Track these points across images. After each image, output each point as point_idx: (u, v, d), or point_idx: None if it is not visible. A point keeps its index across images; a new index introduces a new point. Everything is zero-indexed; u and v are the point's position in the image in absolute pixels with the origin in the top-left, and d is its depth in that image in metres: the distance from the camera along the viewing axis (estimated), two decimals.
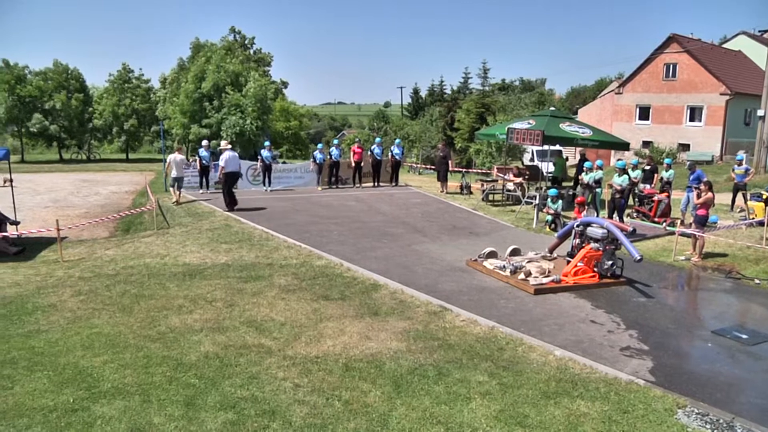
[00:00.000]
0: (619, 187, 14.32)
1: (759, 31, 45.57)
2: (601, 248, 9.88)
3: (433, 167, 28.19)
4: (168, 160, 17.28)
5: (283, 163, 26.21)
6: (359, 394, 5.76)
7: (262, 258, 11.14)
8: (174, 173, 16.68)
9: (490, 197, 18.94)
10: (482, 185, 19.81)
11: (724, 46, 42.56)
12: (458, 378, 6.16)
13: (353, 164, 20.64)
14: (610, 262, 9.90)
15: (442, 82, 68.49)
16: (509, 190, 18.98)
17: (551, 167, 19.35)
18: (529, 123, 16.03)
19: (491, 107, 39.27)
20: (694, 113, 35.57)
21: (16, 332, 7.35)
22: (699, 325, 8.31)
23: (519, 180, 19.04)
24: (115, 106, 37.43)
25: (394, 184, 21.38)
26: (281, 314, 8.07)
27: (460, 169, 24.70)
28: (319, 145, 21.69)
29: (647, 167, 17.18)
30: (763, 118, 24.93)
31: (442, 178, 20.70)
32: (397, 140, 23.51)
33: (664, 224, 14.54)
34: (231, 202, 15.33)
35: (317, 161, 20.20)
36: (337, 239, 12.71)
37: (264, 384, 5.92)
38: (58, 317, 7.93)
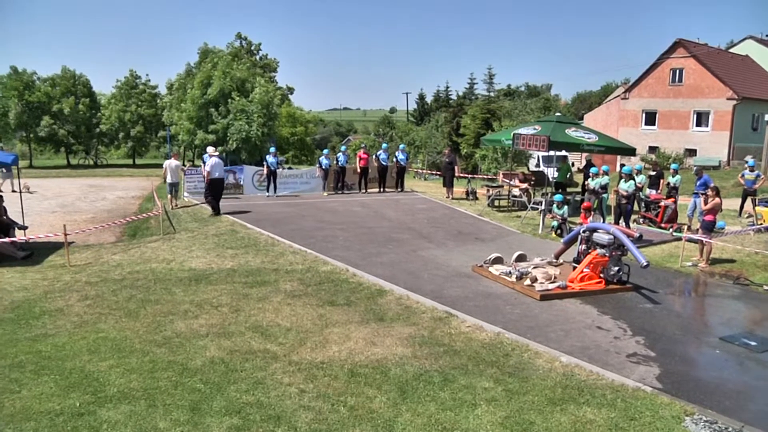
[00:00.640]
0: (625, 193, 14.27)
1: (766, 36, 45.39)
2: (607, 254, 9.84)
3: (438, 173, 28.20)
4: (164, 166, 17.43)
5: (289, 168, 26.29)
6: (364, 399, 5.74)
7: (267, 263, 11.16)
8: (169, 179, 16.79)
9: (496, 203, 18.91)
10: (488, 191, 19.77)
11: (731, 50, 42.45)
12: (464, 384, 6.14)
13: (359, 170, 20.67)
14: (617, 268, 9.85)
15: (447, 87, 68.87)
16: (515, 196, 18.94)
17: (556, 173, 19.31)
18: (534, 128, 16.01)
19: (497, 113, 39.28)
20: (701, 118, 35.45)
21: (24, 336, 7.39)
22: (707, 332, 8.25)
23: (525, 186, 18.99)
24: (121, 111, 37.68)
25: (399, 189, 21.39)
26: (287, 320, 8.07)
27: (466, 175, 24.67)
28: (325, 151, 21.75)
29: (653, 173, 17.11)
30: None
31: (448, 184, 20.68)
32: (402, 146, 23.51)
33: (671, 230, 14.47)
34: (216, 208, 15.53)
35: (323, 167, 20.24)
36: (343, 245, 12.71)
37: (269, 389, 5.91)
38: (64, 321, 7.96)
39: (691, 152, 35.10)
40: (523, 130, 16.02)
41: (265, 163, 19.29)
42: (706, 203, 11.97)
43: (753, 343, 7.58)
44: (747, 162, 17.18)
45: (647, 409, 5.67)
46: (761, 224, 14.33)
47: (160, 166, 29.43)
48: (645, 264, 9.32)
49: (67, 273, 10.66)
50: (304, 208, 17.29)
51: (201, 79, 32.46)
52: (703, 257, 11.79)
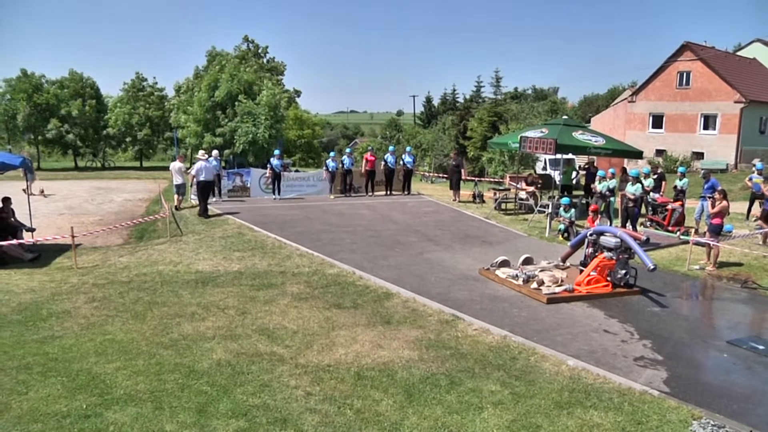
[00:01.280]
0: (632, 196, 14.22)
1: None
2: (614, 257, 9.81)
3: (445, 176, 28.16)
4: (170, 168, 17.70)
5: (296, 171, 26.32)
6: (371, 402, 5.74)
7: (274, 266, 11.18)
8: (175, 180, 17.09)
9: (503, 206, 18.88)
10: (495, 194, 19.74)
11: (739, 53, 42.22)
12: (470, 387, 6.13)
13: (366, 173, 20.68)
14: (624, 272, 9.82)
15: (454, 90, 68.76)
16: (522, 199, 18.90)
17: (562, 176, 19.24)
18: (541, 132, 15.99)
19: (504, 116, 39.22)
20: (708, 121, 35.26)
21: (31, 338, 7.43)
22: (714, 335, 8.21)
23: (531, 189, 18.95)
24: (127, 114, 37.87)
25: (406, 192, 21.38)
26: (293, 322, 8.09)
27: (473, 178, 24.63)
28: (332, 154, 21.76)
29: (654, 176, 17.04)
30: None
31: (455, 187, 20.65)
32: (408, 148, 23.48)
33: (678, 233, 14.40)
34: (203, 208, 15.87)
35: (330, 170, 20.26)
36: (350, 248, 12.72)
37: (276, 392, 5.92)
38: (72, 323, 8.00)
39: (699, 155, 34.91)
40: (530, 133, 16.00)
41: (269, 165, 19.34)
42: (713, 206, 11.93)
43: (761, 347, 7.53)
44: (755, 165, 17.11)
45: (654, 413, 5.64)
46: None
47: (166, 168, 29.58)
48: (652, 267, 9.28)
49: (75, 275, 10.72)
50: (311, 210, 17.32)
51: (208, 81, 32.57)
52: (711, 260, 11.73)
